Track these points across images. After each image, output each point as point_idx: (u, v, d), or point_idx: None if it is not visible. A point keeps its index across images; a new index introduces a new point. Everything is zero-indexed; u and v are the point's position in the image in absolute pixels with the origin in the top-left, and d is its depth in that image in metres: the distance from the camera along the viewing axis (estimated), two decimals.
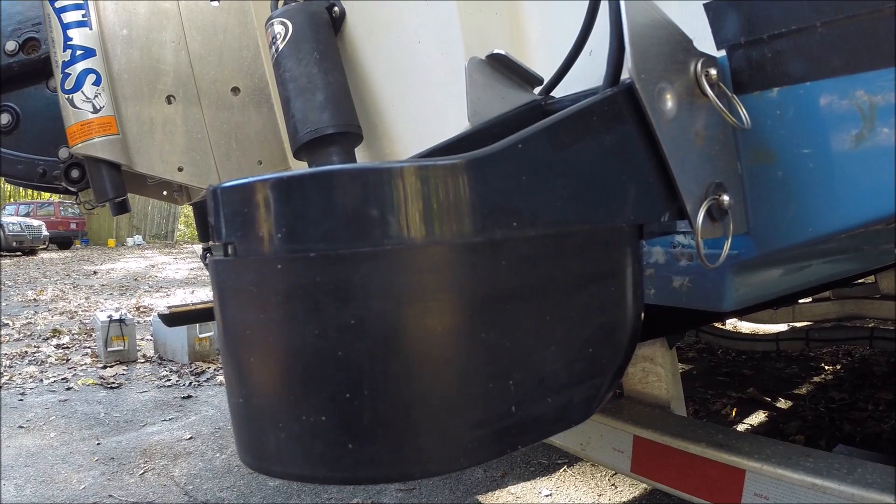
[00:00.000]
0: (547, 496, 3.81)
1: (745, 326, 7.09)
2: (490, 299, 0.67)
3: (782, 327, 6.52)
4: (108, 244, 34.61)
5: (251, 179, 0.67)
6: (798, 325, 6.48)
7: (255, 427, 0.71)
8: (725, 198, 0.91)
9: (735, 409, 4.86)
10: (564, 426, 0.76)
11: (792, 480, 1.79)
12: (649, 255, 1.27)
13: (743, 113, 0.92)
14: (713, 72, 0.91)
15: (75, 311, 11.83)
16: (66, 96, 2.33)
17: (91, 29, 2.40)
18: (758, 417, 4.76)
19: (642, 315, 0.87)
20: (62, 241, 31.10)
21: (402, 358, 0.64)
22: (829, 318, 6.26)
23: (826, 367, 5.83)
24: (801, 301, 6.21)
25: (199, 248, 6.25)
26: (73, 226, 32.48)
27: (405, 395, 0.65)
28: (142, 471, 4.56)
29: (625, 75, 0.88)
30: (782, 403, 4.99)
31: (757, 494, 1.87)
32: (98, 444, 5.15)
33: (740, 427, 4.56)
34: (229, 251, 0.70)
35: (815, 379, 5.55)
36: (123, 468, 4.63)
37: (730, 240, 0.92)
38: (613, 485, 3.87)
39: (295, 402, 0.67)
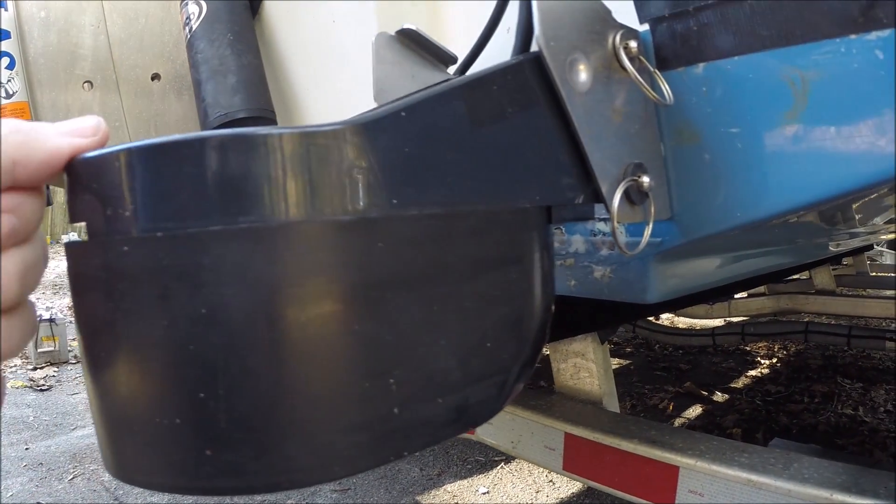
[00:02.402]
0: (484, 494, 3.76)
1: (682, 322, 7.16)
2: (364, 286, 0.58)
3: (718, 322, 6.58)
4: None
5: (104, 150, 0.59)
6: (734, 320, 6.54)
7: (113, 431, 0.63)
8: (645, 179, 0.84)
9: (672, 404, 4.88)
10: (460, 429, 0.68)
11: (727, 476, 1.77)
12: (569, 244, 1.21)
13: (665, 88, 0.86)
14: (633, 44, 0.85)
15: None
16: None
17: (6, 10, 2.30)
18: (695, 411, 4.79)
19: (553, 306, 0.81)
20: None
21: (261, 352, 0.56)
22: (765, 313, 6.33)
23: (762, 361, 5.90)
24: (736, 296, 6.28)
25: None
26: None
27: (266, 395, 0.57)
28: (71, 476, 4.43)
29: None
30: (719, 397, 5.03)
31: (692, 491, 1.84)
32: (27, 448, 5.01)
33: (678, 421, 4.58)
34: (83, 233, 0.62)
35: (752, 373, 5.61)
36: (52, 473, 4.50)
37: (650, 225, 0.86)
38: (551, 481, 3.84)
39: (148, 402, 0.59)
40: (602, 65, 0.82)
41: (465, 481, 3.92)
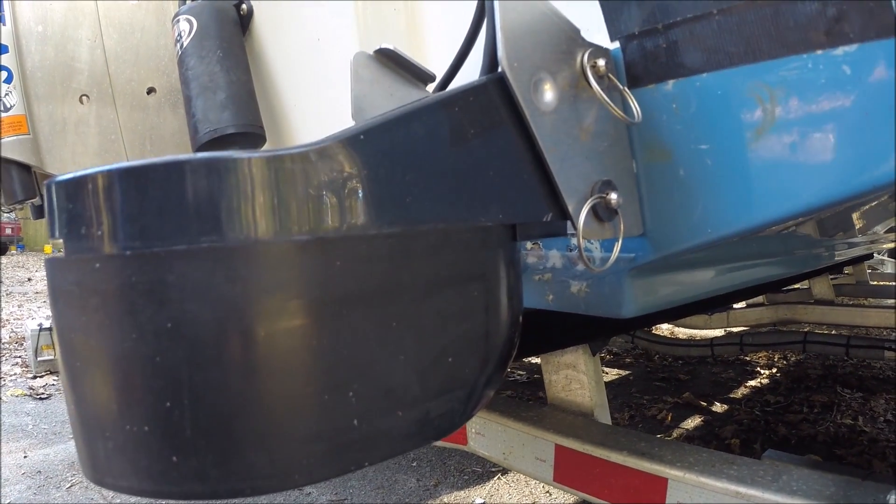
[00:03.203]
0: None
1: (682, 332, 7.14)
2: (322, 304, 0.61)
3: (718, 333, 6.57)
4: (44, 250, 33.81)
5: (78, 173, 0.63)
6: (733, 330, 6.54)
7: (87, 436, 0.67)
8: (613, 196, 0.85)
9: (671, 415, 4.87)
10: (422, 441, 0.70)
11: (715, 489, 1.76)
12: (546, 259, 1.22)
13: (634, 107, 0.87)
14: (601, 63, 0.86)
15: (7, 320, 11.53)
16: None
17: (5, 24, 2.32)
18: (694, 422, 4.78)
19: (519, 322, 0.82)
20: None
21: (223, 365, 0.59)
22: (764, 322, 6.33)
23: (761, 371, 5.89)
24: (735, 306, 6.28)
25: None
26: (8, 231, 31.80)
27: (227, 406, 0.60)
28: (69, 484, 4.43)
29: None
30: (718, 408, 5.02)
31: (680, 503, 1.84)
32: (25, 456, 5.00)
33: (676, 432, 4.57)
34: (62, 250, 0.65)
35: (751, 383, 5.60)
36: (50, 481, 4.49)
37: (620, 241, 0.87)
38: (548, 492, 3.84)
39: (118, 410, 0.62)
40: (569, 84, 0.83)
41: (462, 492, 3.92)
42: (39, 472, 4.68)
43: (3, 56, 2.32)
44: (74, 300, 0.63)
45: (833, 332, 6.28)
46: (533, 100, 0.78)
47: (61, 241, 0.66)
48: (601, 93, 0.84)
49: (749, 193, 0.88)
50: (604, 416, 2.31)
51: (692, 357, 6.34)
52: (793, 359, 6.14)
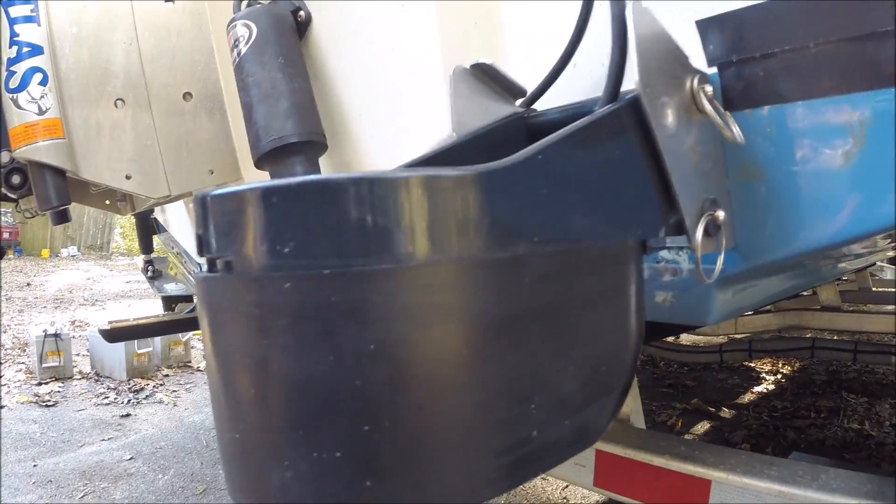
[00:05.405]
0: None
1: (687, 339, 7.19)
2: (513, 318, 0.63)
3: (724, 339, 6.63)
4: (41, 255, 33.57)
5: (249, 185, 0.61)
6: (739, 336, 6.59)
7: (254, 465, 0.65)
8: (720, 213, 0.90)
9: (681, 421, 4.91)
10: (580, 448, 0.73)
11: (758, 489, 1.80)
12: None
13: (735, 129, 0.92)
14: (709, 88, 0.91)
15: (8, 325, 11.48)
16: (10, 96, 2.20)
17: (39, 25, 2.28)
18: (703, 427, 4.82)
19: (644, 331, 0.86)
20: None
21: (425, 385, 0.60)
22: (770, 329, 6.39)
23: (767, 377, 5.94)
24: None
25: (139, 260, 6.10)
26: (5, 235, 31.56)
27: (427, 426, 0.60)
28: (81, 494, 4.41)
29: (624, 88, 0.88)
30: (726, 413, 5.07)
31: None
32: (35, 465, 4.97)
33: (688, 437, 4.60)
34: (220, 267, 0.63)
35: (757, 389, 5.65)
36: (62, 491, 4.47)
37: (723, 254, 0.92)
38: (565, 498, 3.87)
39: (305, 437, 0.61)
40: (682, 107, 0.88)
41: None
42: (50, 481, 4.65)
43: (37, 57, 2.28)
44: (253, 322, 0.61)
45: (835, 337, 6.35)
46: (661, 123, 0.82)
47: (216, 257, 0.63)
48: (717, 117, 0.88)
49: (838, 212, 0.93)
50: (639, 421, 2.35)
51: (698, 363, 6.39)
52: (797, 365, 6.19)
